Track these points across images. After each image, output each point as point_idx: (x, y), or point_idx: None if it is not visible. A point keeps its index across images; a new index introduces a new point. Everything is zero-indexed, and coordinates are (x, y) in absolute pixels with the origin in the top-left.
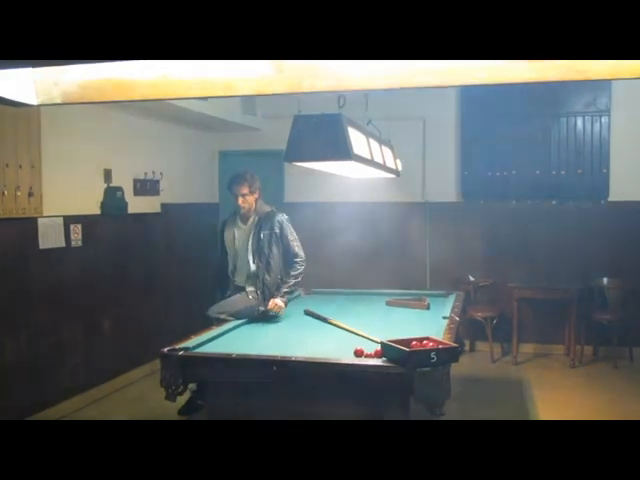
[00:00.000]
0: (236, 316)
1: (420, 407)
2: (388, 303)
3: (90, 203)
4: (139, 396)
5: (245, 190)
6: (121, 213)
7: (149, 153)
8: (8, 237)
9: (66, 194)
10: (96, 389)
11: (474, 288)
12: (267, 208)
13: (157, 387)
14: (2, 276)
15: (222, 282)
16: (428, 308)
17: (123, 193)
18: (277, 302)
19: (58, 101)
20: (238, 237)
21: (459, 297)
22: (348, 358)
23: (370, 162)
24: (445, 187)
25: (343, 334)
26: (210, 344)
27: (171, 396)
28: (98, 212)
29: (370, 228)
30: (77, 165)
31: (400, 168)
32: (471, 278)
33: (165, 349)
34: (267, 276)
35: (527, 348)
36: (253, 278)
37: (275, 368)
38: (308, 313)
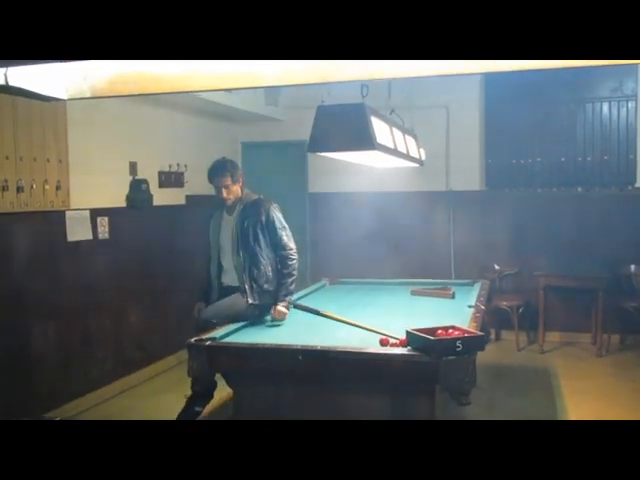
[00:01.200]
0: (232, 319)
1: (446, 396)
2: (413, 292)
3: (116, 196)
4: (167, 386)
5: (228, 181)
6: (146, 205)
7: (173, 145)
8: (37, 230)
9: (93, 187)
10: (124, 379)
11: (499, 277)
12: (253, 196)
13: (185, 378)
14: (31, 268)
15: (207, 294)
16: (453, 297)
17: (148, 185)
18: (280, 309)
19: (87, 95)
20: (223, 230)
21: (484, 286)
22: (373, 347)
23: (393, 151)
24: (469, 176)
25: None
26: (236, 334)
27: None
28: (124, 205)
29: (394, 218)
30: (103, 158)
31: (424, 157)
32: (496, 267)
33: (192, 339)
34: (254, 269)
35: (553, 337)
36: (239, 272)
37: (301, 357)
38: (297, 307)
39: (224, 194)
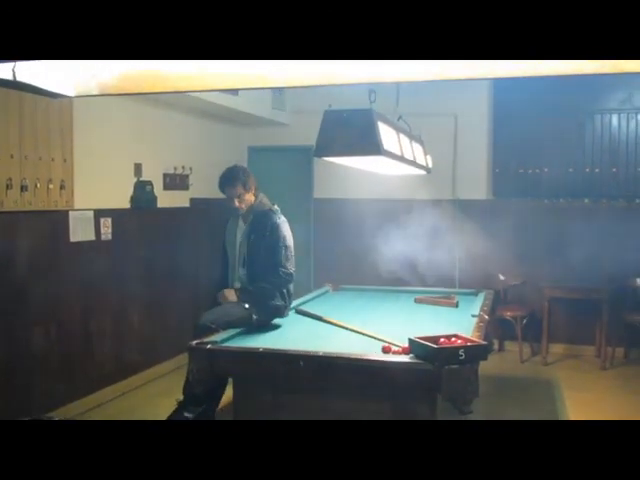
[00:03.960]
0: (230, 326)
1: (447, 405)
2: (417, 300)
3: (120, 197)
4: (167, 390)
5: (239, 190)
6: (150, 207)
7: (179, 148)
8: (40, 229)
9: (97, 188)
10: (125, 382)
11: (504, 287)
12: (265, 205)
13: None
14: (34, 267)
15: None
16: (457, 306)
17: (153, 187)
18: (226, 294)
19: (95, 92)
20: (238, 237)
21: (488, 296)
22: (375, 354)
23: (400, 158)
24: (476, 184)
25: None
26: (237, 339)
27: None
28: (128, 206)
29: (399, 225)
30: (108, 159)
31: (430, 165)
32: (501, 277)
33: (193, 342)
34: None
35: (557, 349)
36: (242, 285)
37: (302, 363)
38: (299, 312)
39: (236, 203)
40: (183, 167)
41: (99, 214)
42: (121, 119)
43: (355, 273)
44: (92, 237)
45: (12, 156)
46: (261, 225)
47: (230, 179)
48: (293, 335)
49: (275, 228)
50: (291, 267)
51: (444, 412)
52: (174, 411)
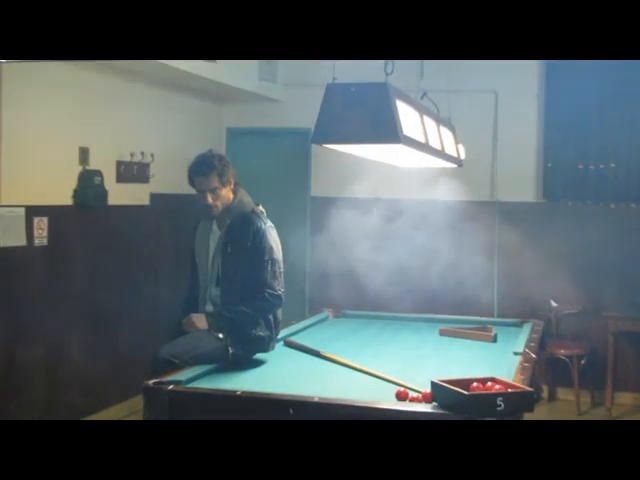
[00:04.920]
0: (199, 361)
1: None
2: (442, 332)
3: (60, 191)
4: None
5: (214, 182)
6: (99, 204)
7: (138, 128)
8: None
9: (29, 178)
10: None
11: (557, 316)
12: (247, 206)
13: None
14: None
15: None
16: (495, 340)
17: (103, 179)
18: (194, 320)
19: None
20: (212, 247)
21: (536, 327)
22: (387, 402)
23: (424, 147)
24: (522, 183)
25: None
26: (207, 378)
27: None
28: (70, 202)
29: (420, 233)
30: (45, 142)
31: (463, 156)
32: (553, 303)
33: (150, 382)
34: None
35: (625, 398)
36: (215, 308)
37: (292, 411)
38: (290, 344)
39: (209, 199)
40: (142, 154)
41: (32, 212)
42: (62, 91)
43: (362, 295)
44: (22, 242)
45: None
46: (241, 232)
47: (202, 167)
48: (281, 374)
49: (259, 236)
50: (279, 287)
51: None
52: None
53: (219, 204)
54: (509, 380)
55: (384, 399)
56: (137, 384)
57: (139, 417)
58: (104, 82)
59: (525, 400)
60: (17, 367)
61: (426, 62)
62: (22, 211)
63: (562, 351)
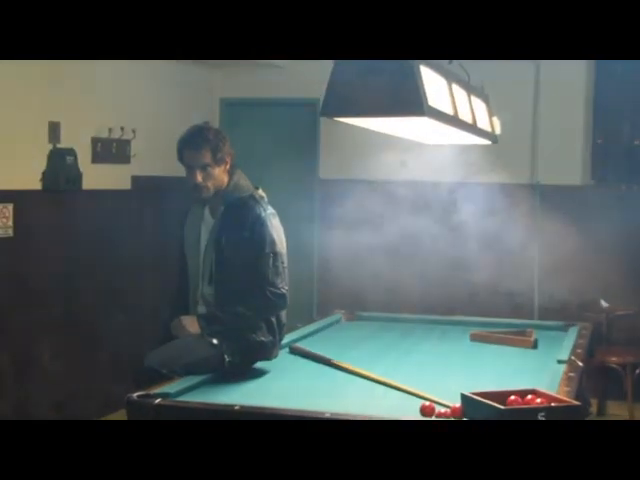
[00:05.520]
0: (190, 371)
1: None
2: (473, 337)
3: (27, 173)
4: None
5: (206, 158)
6: (72, 189)
7: (116, 99)
8: None
9: None
10: None
11: (608, 319)
12: (244, 190)
13: None
14: None
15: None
16: (535, 346)
17: (76, 159)
18: (184, 323)
19: None
20: (203, 237)
21: (584, 331)
22: (411, 417)
23: (452, 120)
24: (567, 162)
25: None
26: (199, 390)
27: None
28: (38, 187)
29: (447, 221)
30: (9, 117)
31: (498, 131)
32: (603, 304)
33: (134, 394)
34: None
35: None
36: (209, 309)
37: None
38: (295, 350)
39: (198, 178)
40: (122, 129)
41: None
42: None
43: (380, 293)
44: None
45: None
46: (237, 220)
47: (194, 139)
48: (285, 386)
49: (258, 225)
50: (283, 285)
51: None
52: None
53: (210, 185)
54: (552, 392)
55: (408, 414)
56: (119, 397)
57: None
58: None
59: (572, 415)
60: None
61: None
62: None
63: (614, 359)
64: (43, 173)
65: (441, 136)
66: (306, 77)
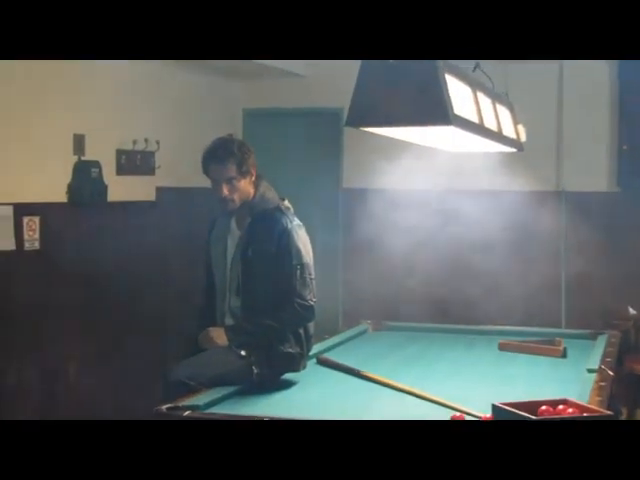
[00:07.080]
0: (218, 383)
1: None
2: (502, 347)
3: (52, 186)
4: None
5: (232, 171)
6: (98, 201)
7: (141, 112)
8: None
9: (17, 172)
10: None
11: (636, 326)
12: (271, 202)
13: None
14: None
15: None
16: (565, 355)
17: (101, 171)
18: (212, 335)
19: None
20: (231, 250)
21: (612, 340)
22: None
23: (478, 128)
24: (593, 168)
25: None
26: (229, 402)
27: None
28: (64, 199)
29: (472, 230)
30: (34, 128)
31: (523, 138)
32: (632, 311)
33: (163, 407)
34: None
35: None
36: (236, 321)
37: None
38: (324, 362)
39: (224, 191)
40: (146, 141)
41: (21, 211)
42: (52, 69)
43: (406, 303)
44: (11, 246)
45: None
46: (264, 232)
47: (219, 152)
48: (313, 398)
49: (285, 237)
50: (311, 297)
51: None
52: None
53: (236, 198)
54: (583, 402)
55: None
56: (146, 410)
57: None
58: (102, 60)
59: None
60: (4, 392)
61: None
62: (9, 210)
63: None
64: (68, 186)
65: (467, 144)
66: (328, 87)
